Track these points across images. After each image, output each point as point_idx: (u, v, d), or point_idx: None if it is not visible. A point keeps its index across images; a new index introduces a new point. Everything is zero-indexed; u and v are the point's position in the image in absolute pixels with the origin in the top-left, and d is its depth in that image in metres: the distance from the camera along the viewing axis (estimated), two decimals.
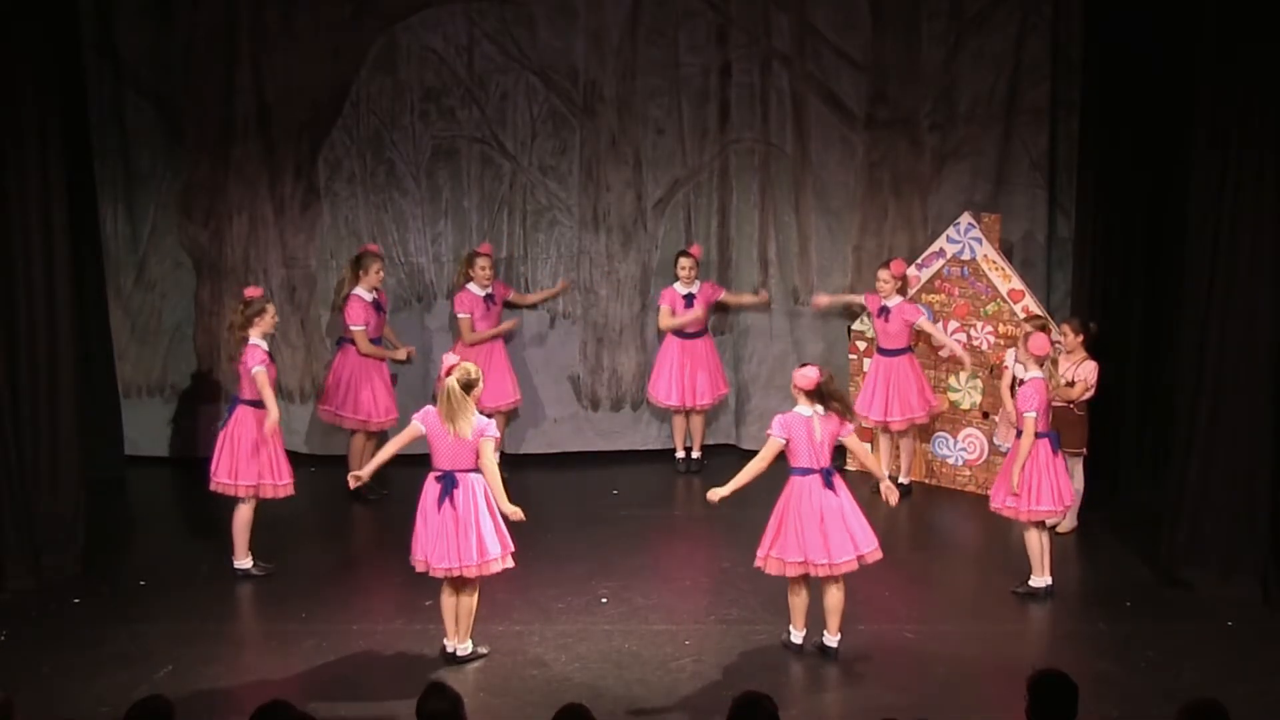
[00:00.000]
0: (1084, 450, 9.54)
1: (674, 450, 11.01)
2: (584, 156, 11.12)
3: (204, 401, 11.18)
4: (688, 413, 10.86)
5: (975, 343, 10.35)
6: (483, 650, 7.77)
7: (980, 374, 10.34)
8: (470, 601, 7.65)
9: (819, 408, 7.52)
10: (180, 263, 11.11)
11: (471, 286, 10.54)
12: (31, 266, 8.61)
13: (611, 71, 11.00)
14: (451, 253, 11.08)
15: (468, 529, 7.44)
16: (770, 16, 10.95)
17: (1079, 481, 9.59)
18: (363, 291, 10.11)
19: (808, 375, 7.53)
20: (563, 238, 11.20)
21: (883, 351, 10.20)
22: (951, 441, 10.57)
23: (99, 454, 9.91)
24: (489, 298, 10.59)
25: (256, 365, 8.65)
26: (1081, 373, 9.38)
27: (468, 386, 7.41)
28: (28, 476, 8.67)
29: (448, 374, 7.42)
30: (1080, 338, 9.43)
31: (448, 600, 7.65)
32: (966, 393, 10.46)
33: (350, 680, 7.48)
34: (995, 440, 10.22)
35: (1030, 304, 10.10)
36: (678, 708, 7.27)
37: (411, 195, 11.08)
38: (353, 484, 8.06)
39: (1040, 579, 8.59)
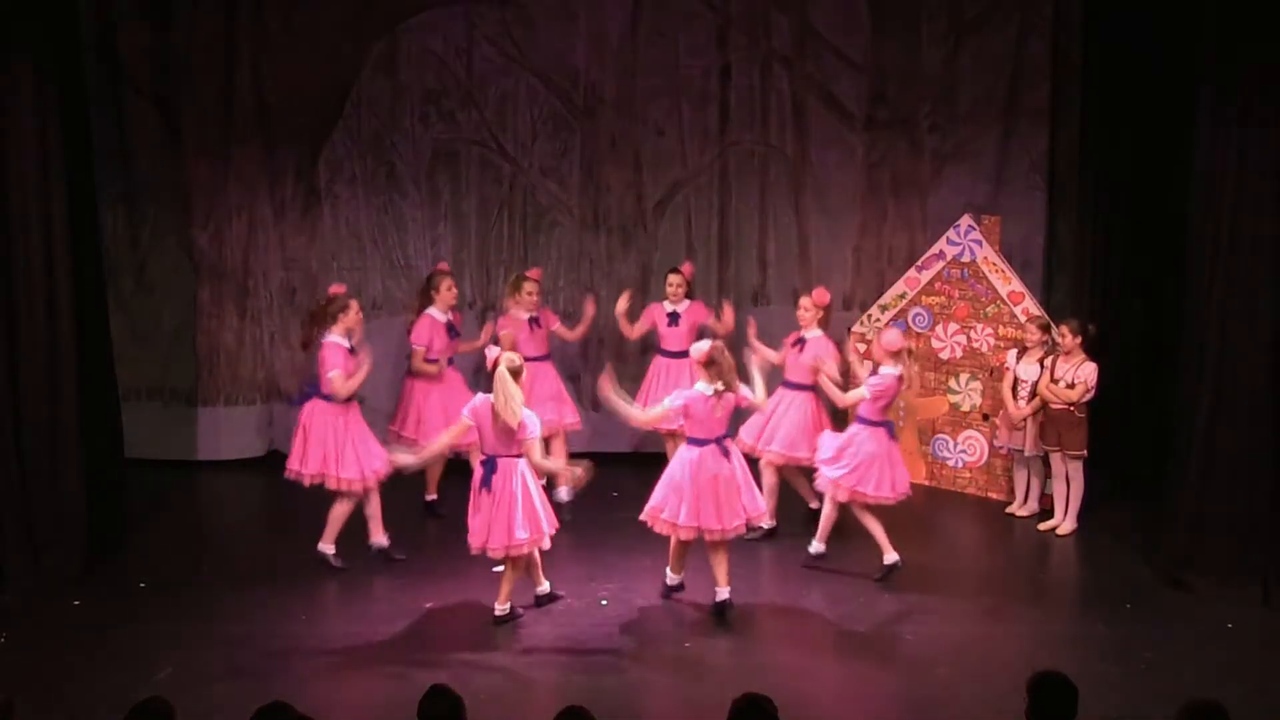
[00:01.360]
0: (1084, 452, 9.54)
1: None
2: (584, 158, 11.13)
3: (204, 404, 11.18)
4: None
5: (975, 345, 10.36)
6: (519, 611, 8.24)
7: (980, 375, 10.35)
8: (510, 572, 8.13)
9: (719, 384, 7.96)
10: (180, 265, 11.11)
11: (516, 311, 10.06)
12: (31, 268, 8.60)
13: (612, 73, 11.01)
14: (450, 256, 11.08)
15: (501, 511, 7.88)
16: (770, 18, 10.97)
17: (1079, 483, 9.60)
18: (436, 312, 9.83)
19: (699, 348, 8.06)
20: (563, 239, 11.21)
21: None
22: (951, 443, 10.57)
23: (99, 456, 9.89)
24: (534, 320, 10.11)
25: (333, 370, 8.70)
26: (1081, 374, 9.39)
27: (515, 373, 7.88)
28: (28, 477, 8.66)
29: (494, 365, 7.92)
30: (1079, 339, 9.43)
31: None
32: (966, 395, 10.47)
33: (350, 681, 7.47)
34: (995, 442, 10.22)
35: (1030, 306, 10.11)
36: (678, 709, 7.28)
37: (411, 198, 11.09)
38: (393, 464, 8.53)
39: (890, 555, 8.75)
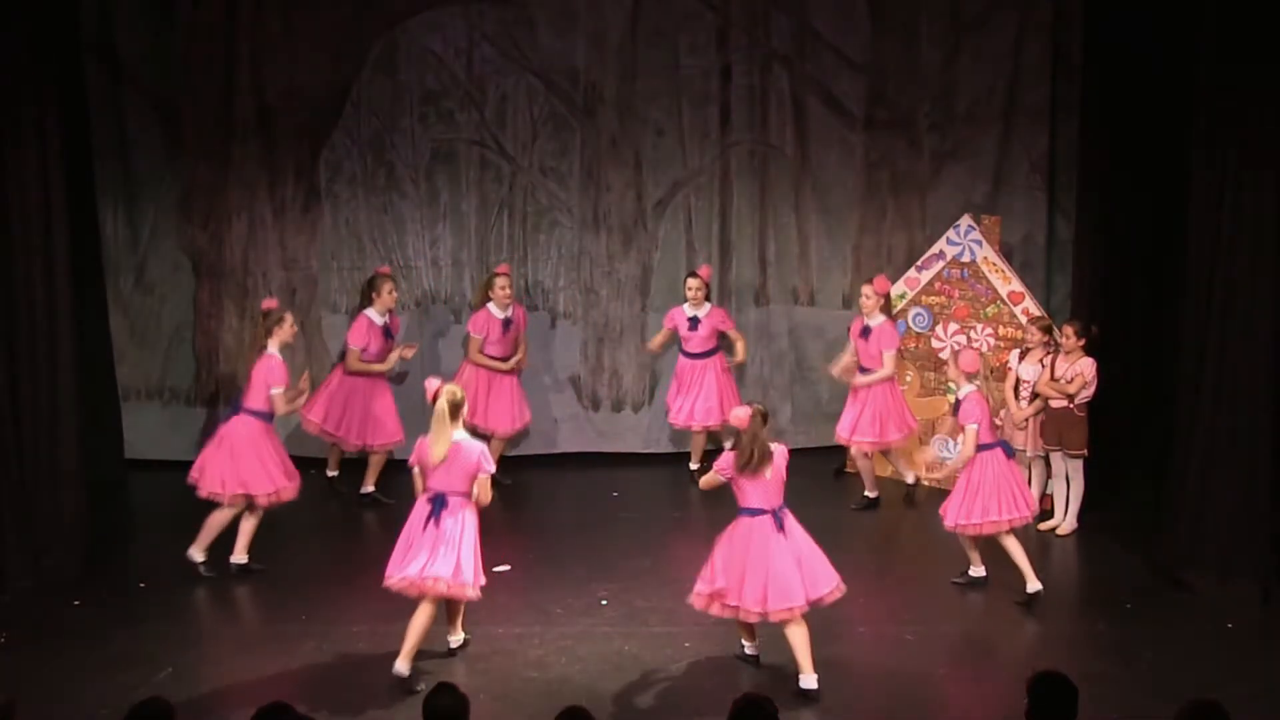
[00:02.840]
0: (1084, 451, 9.54)
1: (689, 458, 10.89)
2: (584, 158, 11.13)
3: (203, 404, 11.18)
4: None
5: (975, 345, 10.35)
6: (420, 683, 7.27)
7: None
8: (424, 621, 7.33)
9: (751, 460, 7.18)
10: (180, 265, 11.10)
11: (491, 307, 10.28)
12: (31, 268, 8.60)
13: (612, 73, 11.00)
14: (450, 256, 11.09)
15: (450, 547, 7.27)
16: (770, 18, 10.97)
17: (1079, 483, 9.60)
18: (373, 314, 10.04)
19: (739, 415, 7.26)
20: (563, 239, 11.21)
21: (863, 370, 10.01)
22: (951, 444, 10.55)
23: (99, 456, 9.90)
24: (507, 322, 10.31)
25: (276, 387, 8.75)
26: (1079, 368, 9.37)
27: (455, 408, 7.29)
28: (28, 478, 8.66)
29: (434, 398, 7.31)
30: (1082, 340, 9.43)
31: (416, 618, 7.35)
32: None
33: (351, 682, 7.47)
34: None
35: (1030, 306, 10.10)
36: (678, 710, 7.27)
37: (410, 198, 11.08)
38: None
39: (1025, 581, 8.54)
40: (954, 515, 8.52)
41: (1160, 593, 8.65)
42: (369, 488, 10.19)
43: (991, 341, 10.29)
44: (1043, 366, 9.61)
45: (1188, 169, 8.66)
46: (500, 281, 10.28)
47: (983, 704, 7.17)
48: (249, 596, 8.59)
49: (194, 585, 8.76)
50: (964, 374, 8.54)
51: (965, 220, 10.38)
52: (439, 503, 7.31)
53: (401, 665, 7.28)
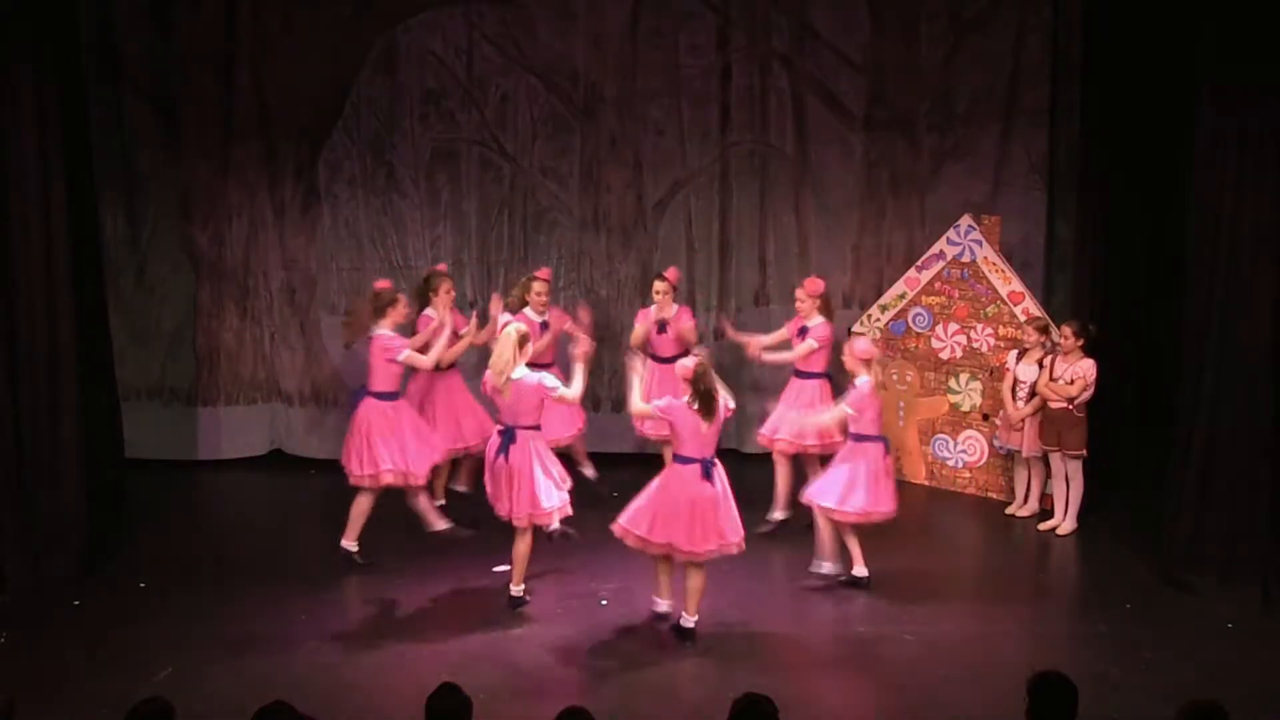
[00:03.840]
0: (1084, 451, 9.54)
1: None
2: (584, 158, 11.13)
3: (203, 404, 11.18)
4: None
5: (975, 345, 10.36)
6: (528, 596, 8.40)
7: (980, 375, 10.36)
8: (523, 548, 8.24)
9: (697, 403, 7.77)
10: (180, 265, 11.11)
11: (528, 311, 9.80)
12: (31, 268, 8.60)
13: (612, 73, 11.01)
14: (450, 256, 11.08)
15: (520, 482, 8.03)
16: (770, 18, 10.97)
17: (1079, 483, 9.60)
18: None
19: (684, 365, 7.89)
20: (563, 239, 11.21)
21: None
22: (951, 443, 10.57)
23: (98, 456, 9.90)
24: (544, 325, 9.86)
25: (404, 352, 8.81)
26: (1079, 369, 9.38)
27: (523, 339, 8.09)
28: (28, 478, 8.66)
29: (503, 328, 8.20)
30: (1081, 340, 9.43)
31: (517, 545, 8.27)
32: (966, 395, 10.46)
33: (351, 682, 7.47)
34: (995, 442, 10.22)
35: (1030, 306, 10.11)
36: (678, 709, 7.27)
37: (410, 198, 11.09)
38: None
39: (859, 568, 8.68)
40: (828, 499, 8.55)
41: (1160, 593, 8.66)
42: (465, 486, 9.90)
43: (991, 341, 10.30)
44: (1040, 367, 9.62)
45: (1188, 169, 8.67)
46: (538, 287, 9.85)
47: (983, 704, 7.16)
48: (249, 596, 8.58)
49: (194, 585, 8.76)
50: (860, 361, 8.56)
51: (965, 220, 10.38)
52: (507, 436, 8.10)
53: (516, 589, 8.34)
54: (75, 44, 9.97)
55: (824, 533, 8.71)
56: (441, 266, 10.15)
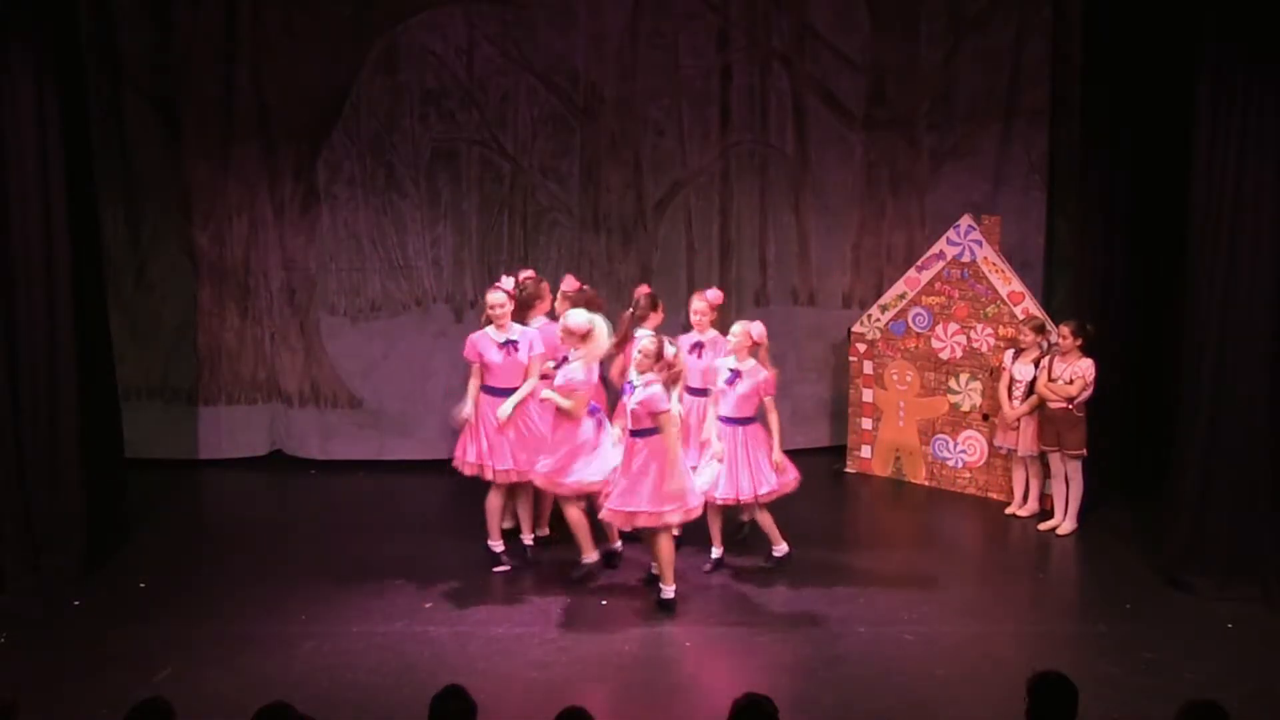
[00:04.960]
0: (1083, 451, 9.54)
1: None
2: (584, 158, 11.13)
3: (205, 403, 11.18)
4: None
5: (975, 345, 10.36)
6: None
7: (980, 376, 10.36)
8: (576, 515, 8.54)
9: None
10: (180, 265, 11.10)
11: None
12: (31, 268, 8.60)
13: (612, 73, 11.01)
14: (450, 256, 11.08)
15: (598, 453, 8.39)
16: (770, 18, 10.98)
17: (1078, 483, 9.60)
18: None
19: (644, 346, 8.13)
20: (563, 239, 11.21)
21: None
22: (951, 444, 10.57)
23: (99, 456, 9.89)
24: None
25: (539, 350, 8.78)
26: (1079, 369, 9.38)
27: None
28: (28, 478, 8.65)
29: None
30: (1079, 340, 9.43)
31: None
32: (966, 395, 10.46)
33: (350, 682, 7.47)
34: (995, 442, 10.22)
35: (1030, 306, 10.10)
36: (678, 710, 7.27)
37: (411, 198, 11.08)
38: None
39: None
40: (731, 490, 8.59)
41: (1160, 593, 8.65)
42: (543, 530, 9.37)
43: (991, 342, 10.29)
44: (1036, 367, 9.62)
45: (1188, 169, 8.66)
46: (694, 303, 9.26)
47: (983, 704, 7.17)
48: (249, 596, 8.58)
49: (194, 585, 8.76)
50: (759, 345, 8.63)
51: (965, 220, 10.38)
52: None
53: (589, 555, 8.60)
54: (75, 44, 9.96)
55: (764, 520, 8.76)
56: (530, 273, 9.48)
